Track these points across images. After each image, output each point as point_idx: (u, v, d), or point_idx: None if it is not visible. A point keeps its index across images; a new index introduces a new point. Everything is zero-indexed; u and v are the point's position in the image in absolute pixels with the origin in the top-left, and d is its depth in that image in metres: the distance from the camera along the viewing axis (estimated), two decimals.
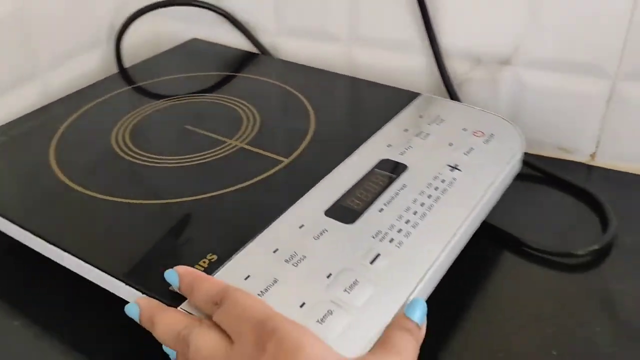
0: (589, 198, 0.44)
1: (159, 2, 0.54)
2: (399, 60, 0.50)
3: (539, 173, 0.46)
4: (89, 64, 0.54)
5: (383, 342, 0.26)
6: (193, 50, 0.58)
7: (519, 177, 0.45)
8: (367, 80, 0.50)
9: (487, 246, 0.40)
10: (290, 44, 0.54)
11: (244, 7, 0.55)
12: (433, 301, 0.30)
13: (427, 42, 0.48)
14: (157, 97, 0.49)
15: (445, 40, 0.47)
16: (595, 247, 0.39)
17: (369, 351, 0.26)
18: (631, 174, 0.46)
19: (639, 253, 0.39)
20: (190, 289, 0.28)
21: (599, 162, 0.47)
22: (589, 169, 0.47)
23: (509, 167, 0.39)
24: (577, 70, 0.44)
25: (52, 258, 0.34)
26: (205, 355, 0.26)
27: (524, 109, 0.47)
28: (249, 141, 0.42)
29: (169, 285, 0.29)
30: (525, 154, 0.42)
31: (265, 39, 0.55)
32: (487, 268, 0.39)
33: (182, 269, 0.29)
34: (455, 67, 0.48)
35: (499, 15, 0.45)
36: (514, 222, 0.41)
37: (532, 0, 0.43)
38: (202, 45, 0.58)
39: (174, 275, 0.29)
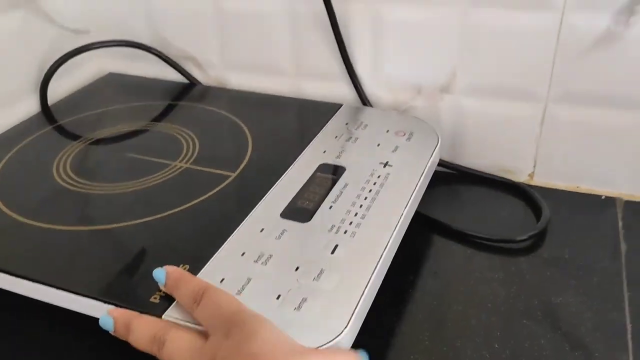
0: (522, 195, 0.48)
1: (88, 45, 0.54)
2: (339, 88, 0.52)
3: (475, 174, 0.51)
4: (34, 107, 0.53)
5: (331, 349, 0.28)
6: (112, 84, 0.58)
7: (456, 179, 0.50)
8: (294, 98, 0.53)
9: (435, 240, 0.44)
10: (237, 78, 0.56)
11: (190, 43, 0.56)
12: (387, 289, 0.33)
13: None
14: (91, 130, 0.48)
15: (387, 70, 0.50)
16: (534, 231, 0.44)
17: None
18: (567, 191, 0.49)
19: (577, 266, 0.41)
20: (176, 286, 0.29)
21: (537, 181, 0.50)
22: (529, 187, 0.49)
23: (432, 158, 0.44)
24: (511, 96, 0.47)
25: (19, 292, 0.33)
26: (178, 352, 0.27)
27: (466, 133, 0.50)
28: (193, 161, 0.43)
29: (149, 297, 0.30)
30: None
31: (212, 74, 0.56)
32: (433, 260, 0.42)
33: (170, 267, 0.30)
34: (398, 96, 0.51)
35: (436, 46, 0.48)
36: (459, 219, 0.45)
37: (466, 31, 0.46)
38: (119, 79, 0.59)
39: (162, 273, 0.30)
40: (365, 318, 0.31)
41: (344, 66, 0.51)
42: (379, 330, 0.36)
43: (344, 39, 0.50)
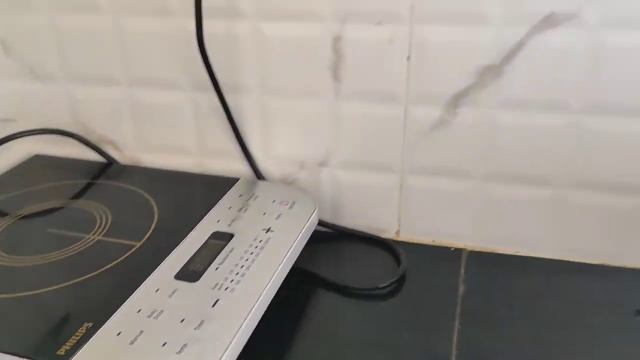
0: (389, 249, 0.57)
1: (15, 134, 0.60)
2: (237, 165, 0.61)
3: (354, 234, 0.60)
4: None
5: None
6: (38, 166, 0.64)
7: (337, 238, 0.59)
8: (197, 174, 0.60)
9: (312, 291, 0.52)
10: (149, 157, 0.63)
11: (108, 128, 0.63)
12: (269, 334, 0.41)
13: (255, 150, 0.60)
14: (17, 208, 0.54)
15: (275, 149, 0.59)
16: (393, 279, 0.52)
17: None
18: (425, 244, 0.58)
19: (424, 305, 0.49)
20: None
21: (402, 236, 0.59)
22: (396, 242, 0.58)
23: (308, 224, 0.52)
24: (375, 169, 0.57)
25: None
26: None
27: (343, 198, 0.59)
28: (105, 234, 0.49)
29: (57, 349, 0.36)
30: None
31: (127, 154, 0.63)
32: (309, 308, 0.50)
33: None
34: (286, 169, 0.60)
35: (313, 129, 0.57)
36: (337, 272, 0.53)
37: (335, 118, 0.56)
38: (45, 160, 0.65)
39: None
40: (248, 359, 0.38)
41: (239, 146, 0.59)
42: None
43: (238, 124, 0.58)
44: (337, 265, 0.56)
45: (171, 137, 0.61)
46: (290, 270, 0.48)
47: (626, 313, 0.49)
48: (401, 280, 0.53)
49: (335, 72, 0.54)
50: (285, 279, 0.47)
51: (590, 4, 0.46)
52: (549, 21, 0.47)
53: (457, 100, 0.52)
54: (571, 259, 0.55)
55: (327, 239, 0.60)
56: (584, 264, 0.55)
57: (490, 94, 0.51)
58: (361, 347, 0.46)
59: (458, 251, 0.57)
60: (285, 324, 0.48)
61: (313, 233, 0.55)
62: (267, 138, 0.59)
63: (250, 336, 0.40)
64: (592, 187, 0.52)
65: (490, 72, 0.50)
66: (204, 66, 0.54)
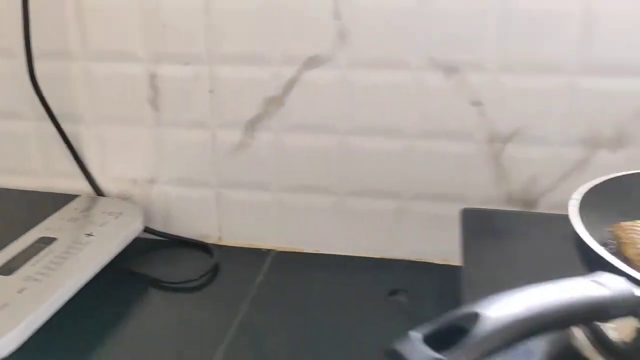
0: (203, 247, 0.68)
1: None
2: (81, 184, 0.69)
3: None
4: None
5: None
6: None
7: (168, 244, 0.69)
8: (43, 192, 0.69)
9: (135, 288, 0.61)
10: (1, 179, 0.71)
11: None
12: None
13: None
14: None
15: (112, 169, 0.68)
16: (202, 273, 0.63)
17: None
18: (244, 247, 0.69)
19: (219, 295, 0.60)
20: None
21: (224, 242, 0.70)
22: (219, 246, 0.68)
23: (128, 231, 0.62)
24: (194, 184, 0.67)
25: None
26: None
27: (173, 211, 0.69)
28: None
29: None
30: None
31: None
32: (132, 302, 0.59)
33: None
34: (121, 187, 0.69)
35: (141, 153, 0.66)
36: (161, 273, 0.63)
37: (157, 140, 0.65)
38: None
39: None
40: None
41: (79, 168, 0.69)
42: None
43: (78, 149, 0.68)
44: (165, 267, 0.65)
45: (20, 161, 0.70)
46: (120, 271, 0.58)
47: (384, 294, 0.60)
48: (214, 276, 0.64)
49: (154, 103, 0.65)
50: (114, 278, 0.58)
51: (341, 50, 0.59)
52: (313, 62, 0.60)
53: (252, 126, 0.64)
54: (355, 255, 0.67)
55: (160, 246, 0.69)
56: (365, 258, 0.67)
57: (277, 120, 0.63)
58: (163, 329, 0.55)
59: (269, 252, 0.68)
60: (106, 316, 0.56)
61: (147, 240, 0.65)
62: (104, 160, 0.68)
63: (73, 324, 0.51)
64: (362, 194, 0.65)
65: (274, 103, 0.62)
66: (39, 99, 0.64)
